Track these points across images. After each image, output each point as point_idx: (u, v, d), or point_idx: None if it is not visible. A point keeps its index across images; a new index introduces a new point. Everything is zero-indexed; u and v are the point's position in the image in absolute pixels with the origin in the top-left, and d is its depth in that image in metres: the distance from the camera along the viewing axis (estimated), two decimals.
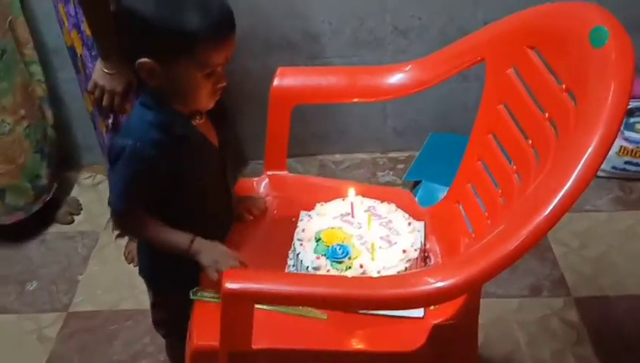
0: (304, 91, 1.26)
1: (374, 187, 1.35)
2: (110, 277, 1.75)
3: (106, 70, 1.37)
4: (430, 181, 1.85)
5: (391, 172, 2.10)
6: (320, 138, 2.14)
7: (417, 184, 1.91)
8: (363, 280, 0.98)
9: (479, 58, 1.15)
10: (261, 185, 1.31)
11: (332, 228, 1.13)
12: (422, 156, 2.03)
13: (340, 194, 1.21)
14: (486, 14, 1.86)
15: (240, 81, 1.87)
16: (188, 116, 1.02)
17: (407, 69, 1.18)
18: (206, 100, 1.00)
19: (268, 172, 1.33)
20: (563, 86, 0.96)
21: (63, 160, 2.05)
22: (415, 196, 1.79)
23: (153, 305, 1.26)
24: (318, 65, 1.95)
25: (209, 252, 1.00)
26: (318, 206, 1.18)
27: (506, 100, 1.10)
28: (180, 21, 0.91)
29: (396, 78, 1.24)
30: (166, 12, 0.91)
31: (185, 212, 1.05)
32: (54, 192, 1.91)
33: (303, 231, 1.12)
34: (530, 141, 1.02)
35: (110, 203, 1.04)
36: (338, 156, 2.16)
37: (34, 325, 1.64)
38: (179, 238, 1.01)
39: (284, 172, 1.34)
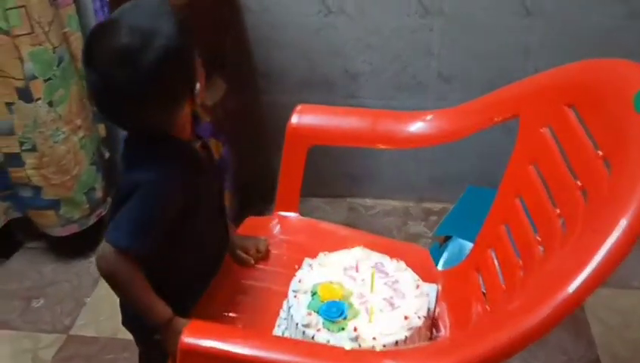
0: (322, 132, 1.19)
1: (387, 241, 1.25)
2: (116, 304, 1.69)
3: None
4: (461, 237, 1.73)
5: (422, 223, 1.99)
6: (351, 179, 2.05)
7: (448, 239, 1.79)
8: (329, 351, 0.85)
9: (512, 114, 1.05)
10: (269, 225, 1.24)
11: (331, 282, 1.04)
12: (457, 209, 1.91)
13: (350, 244, 1.12)
14: (537, 64, 1.76)
15: (276, 116, 1.81)
16: (189, 142, 0.96)
17: (429, 118, 1.09)
18: (189, 126, 0.96)
19: (279, 213, 1.25)
20: (600, 153, 0.85)
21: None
22: (444, 252, 1.70)
23: (141, 356, 1.19)
24: (354, 105, 1.88)
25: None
26: (321, 255, 1.10)
27: (537, 160, 1.00)
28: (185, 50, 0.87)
29: (421, 126, 1.15)
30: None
31: (182, 245, 0.97)
32: None
33: (300, 281, 1.04)
34: (558, 211, 0.91)
35: (111, 240, 0.89)
36: (369, 201, 2.07)
37: (31, 344, 1.60)
38: (159, 308, 0.92)
39: (295, 214, 1.26)
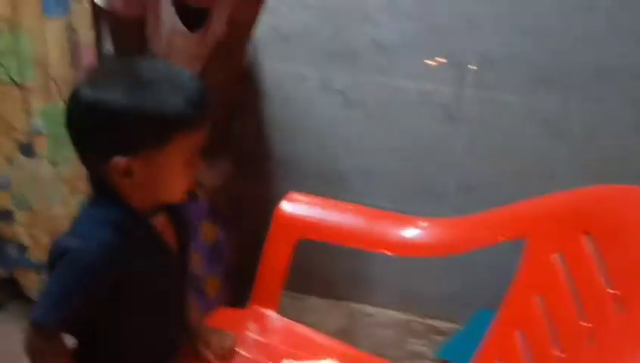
0: (312, 225, 1.09)
1: (367, 357, 1.11)
2: None
3: None
4: None
5: (425, 342, 1.83)
6: (353, 282, 1.93)
7: None
8: None
9: (517, 234, 0.93)
10: (242, 320, 1.12)
11: None
12: (464, 333, 1.76)
13: (322, 356, 0.99)
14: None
15: None
16: (146, 215, 0.87)
17: (426, 225, 0.98)
18: (182, 191, 0.87)
19: (255, 307, 1.13)
20: (610, 291, 0.72)
21: None
22: None
23: None
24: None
25: None
26: (284, 362, 0.96)
27: (542, 291, 0.87)
28: (159, 107, 0.79)
29: (421, 235, 1.04)
30: (141, 99, 0.79)
31: (123, 330, 0.87)
32: None
33: None
34: (563, 355, 0.77)
35: (33, 319, 0.80)
36: (369, 309, 1.93)
37: None
38: None
39: (273, 312, 1.13)
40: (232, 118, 1.50)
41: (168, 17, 1.29)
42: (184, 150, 0.82)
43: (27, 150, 1.51)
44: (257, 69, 1.69)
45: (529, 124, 1.65)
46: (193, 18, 1.30)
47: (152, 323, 0.89)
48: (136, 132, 0.80)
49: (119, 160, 0.80)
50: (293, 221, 1.08)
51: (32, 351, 0.81)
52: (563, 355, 0.78)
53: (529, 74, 1.61)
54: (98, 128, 0.80)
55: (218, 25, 1.31)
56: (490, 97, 1.67)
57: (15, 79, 1.45)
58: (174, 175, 0.84)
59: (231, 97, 1.44)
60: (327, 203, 1.12)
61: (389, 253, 1.06)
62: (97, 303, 0.83)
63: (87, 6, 1.42)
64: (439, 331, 1.86)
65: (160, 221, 0.89)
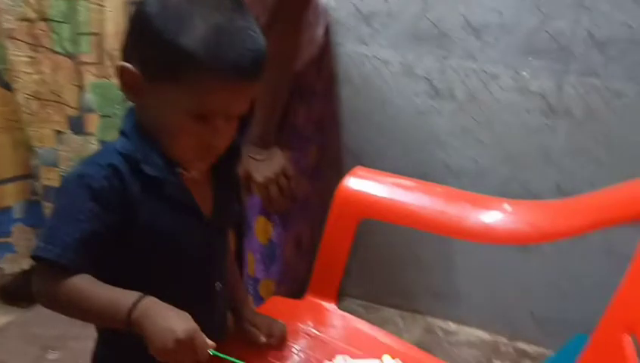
0: (378, 204, 0.95)
1: (432, 359, 0.95)
2: None
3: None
4: None
5: None
6: (434, 295, 1.78)
7: None
8: None
9: (633, 214, 0.75)
10: (295, 311, 0.99)
11: None
12: (558, 358, 1.55)
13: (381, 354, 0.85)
14: None
15: None
16: (176, 162, 0.78)
17: (512, 209, 0.83)
18: (189, 153, 0.77)
19: (310, 298, 1.01)
20: None
21: None
22: None
23: None
24: None
25: (162, 319, 0.68)
26: (339, 358, 0.83)
27: None
28: (180, 33, 0.71)
29: (508, 219, 0.88)
30: (172, 19, 0.72)
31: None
32: None
33: None
34: None
35: (38, 255, 0.71)
36: (451, 325, 1.78)
37: None
38: (120, 297, 0.70)
39: (331, 305, 1.00)
40: (298, 103, 1.38)
41: None
42: (199, 100, 0.73)
43: (77, 126, 1.48)
44: (333, 51, 1.58)
45: None
46: None
47: (178, 291, 0.75)
48: (150, 49, 0.73)
49: (127, 66, 0.74)
50: (358, 198, 0.95)
51: (38, 294, 0.72)
52: None
53: None
54: (131, 30, 0.76)
55: None
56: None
57: (69, 49, 1.41)
58: (176, 124, 0.74)
59: (295, 80, 1.32)
60: (397, 180, 0.98)
61: (466, 239, 0.90)
62: (110, 242, 0.73)
63: None
64: (528, 355, 1.72)
65: (194, 178, 0.79)
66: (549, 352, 1.62)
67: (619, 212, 0.78)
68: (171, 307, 0.69)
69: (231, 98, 0.74)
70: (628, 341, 0.72)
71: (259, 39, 0.74)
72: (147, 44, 0.73)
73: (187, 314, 0.69)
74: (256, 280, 1.38)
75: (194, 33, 0.70)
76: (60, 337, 1.64)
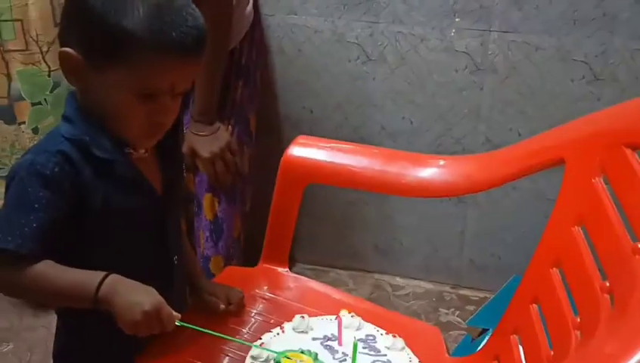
0: (322, 168, 1.00)
1: (388, 313, 1.02)
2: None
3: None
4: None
5: (457, 312, 1.74)
6: (381, 253, 1.84)
7: (484, 332, 1.53)
8: None
9: (555, 159, 0.83)
10: (250, 278, 1.03)
11: (303, 352, 0.81)
12: (497, 299, 1.66)
13: (338, 310, 0.90)
14: None
15: None
16: (124, 142, 0.79)
17: (444, 163, 0.88)
18: (137, 132, 0.79)
19: (264, 265, 1.05)
20: None
21: None
22: (478, 347, 1.45)
23: None
24: None
25: (129, 294, 0.72)
26: (297, 318, 0.88)
27: (584, 221, 0.77)
28: (122, 15, 0.72)
29: (444, 173, 0.94)
30: (112, 1, 0.73)
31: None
32: None
33: (263, 344, 0.81)
34: (608, 284, 0.67)
35: None
36: (399, 280, 1.85)
37: None
38: (86, 277, 0.73)
39: (284, 269, 1.05)
40: (236, 78, 1.40)
41: None
42: (145, 79, 0.74)
43: (8, 115, 1.45)
44: (264, 23, 1.60)
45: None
46: None
47: (138, 267, 0.78)
48: (89, 30, 0.73)
49: (68, 51, 0.74)
50: (302, 165, 0.99)
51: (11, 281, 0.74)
52: (608, 284, 0.67)
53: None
54: (69, 13, 0.77)
55: None
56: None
57: None
58: (122, 105, 0.76)
59: (231, 55, 1.34)
60: (338, 145, 1.03)
61: (406, 196, 0.96)
62: (67, 227, 0.75)
63: None
64: (471, 301, 1.80)
65: (142, 157, 0.82)
66: (490, 296, 1.67)
67: (542, 158, 0.85)
68: (136, 282, 0.73)
69: (176, 76, 0.75)
70: (555, 273, 0.79)
71: (199, 17, 0.76)
72: (88, 28, 0.73)
73: (153, 289, 0.73)
74: (207, 258, 1.40)
75: (136, 14, 0.71)
76: (11, 329, 1.63)
